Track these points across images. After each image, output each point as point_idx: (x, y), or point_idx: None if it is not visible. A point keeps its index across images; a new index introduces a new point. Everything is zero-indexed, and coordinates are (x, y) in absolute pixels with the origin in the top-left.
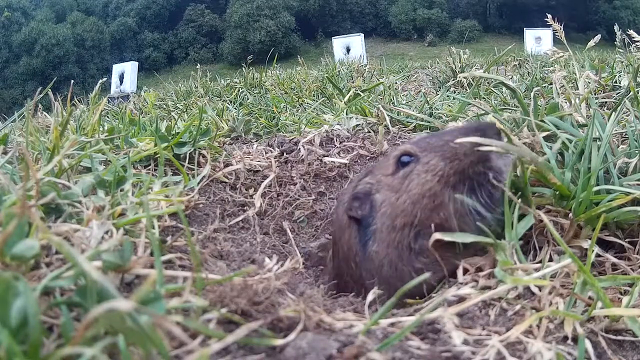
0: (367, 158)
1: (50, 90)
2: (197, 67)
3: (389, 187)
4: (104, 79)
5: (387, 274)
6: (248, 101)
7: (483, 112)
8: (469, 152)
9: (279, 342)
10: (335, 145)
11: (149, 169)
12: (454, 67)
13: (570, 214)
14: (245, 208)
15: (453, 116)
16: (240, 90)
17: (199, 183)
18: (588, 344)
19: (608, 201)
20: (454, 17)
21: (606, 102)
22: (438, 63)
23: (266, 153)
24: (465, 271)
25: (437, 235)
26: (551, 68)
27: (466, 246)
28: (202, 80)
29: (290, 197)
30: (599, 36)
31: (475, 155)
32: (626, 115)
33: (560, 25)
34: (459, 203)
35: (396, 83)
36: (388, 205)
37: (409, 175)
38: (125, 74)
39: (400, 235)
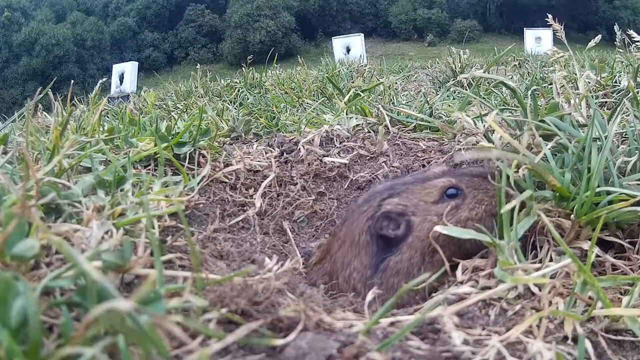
0: (367, 158)
1: (50, 90)
2: (197, 67)
3: (433, 213)
4: (104, 79)
5: (394, 281)
6: (248, 101)
7: (485, 111)
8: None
9: (279, 342)
10: (335, 145)
11: (149, 169)
12: (454, 67)
13: (572, 215)
14: (245, 208)
15: (457, 111)
16: (240, 90)
17: (199, 183)
18: (588, 344)
19: (609, 202)
20: (454, 17)
21: (606, 102)
22: (438, 63)
23: (266, 153)
24: (465, 270)
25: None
26: (551, 68)
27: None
28: (202, 80)
29: (290, 197)
30: (599, 36)
31: None
32: (626, 115)
33: (561, 25)
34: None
35: (396, 83)
36: (427, 224)
37: (460, 206)
38: (125, 74)
39: (424, 244)
